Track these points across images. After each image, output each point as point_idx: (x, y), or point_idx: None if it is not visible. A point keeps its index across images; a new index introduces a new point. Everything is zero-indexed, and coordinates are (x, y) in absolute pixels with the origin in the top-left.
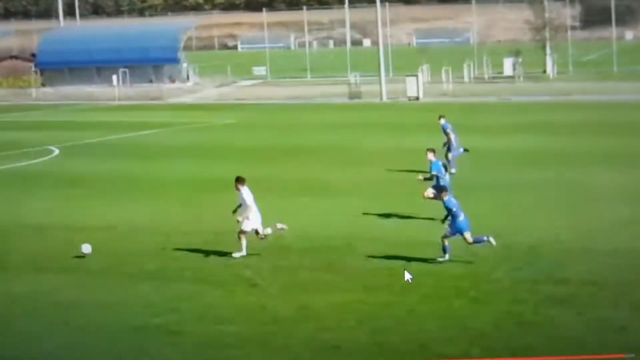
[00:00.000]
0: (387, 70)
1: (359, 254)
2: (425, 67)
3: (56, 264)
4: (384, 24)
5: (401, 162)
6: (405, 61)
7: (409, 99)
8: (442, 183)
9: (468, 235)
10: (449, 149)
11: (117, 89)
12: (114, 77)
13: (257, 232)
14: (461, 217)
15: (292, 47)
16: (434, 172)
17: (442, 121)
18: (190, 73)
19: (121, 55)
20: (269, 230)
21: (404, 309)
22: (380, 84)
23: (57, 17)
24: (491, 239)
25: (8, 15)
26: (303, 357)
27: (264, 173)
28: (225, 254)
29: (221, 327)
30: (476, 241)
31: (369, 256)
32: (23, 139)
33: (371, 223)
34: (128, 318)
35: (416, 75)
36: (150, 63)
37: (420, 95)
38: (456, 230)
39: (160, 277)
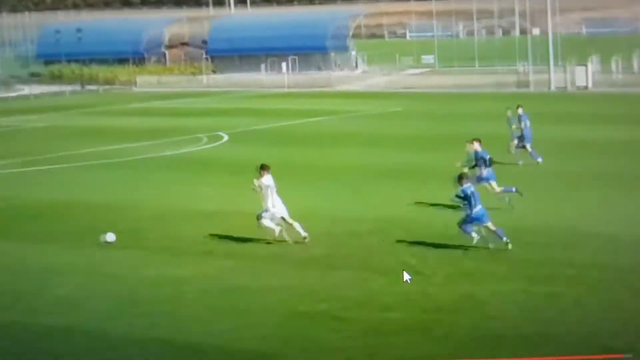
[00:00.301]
0: (555, 59)
1: (522, 244)
2: (594, 57)
3: (224, 249)
4: (554, 13)
5: (569, 153)
6: (574, 50)
7: (578, 88)
8: (485, 174)
9: (490, 224)
10: (522, 139)
11: (286, 76)
12: (283, 65)
13: (283, 219)
14: (478, 208)
15: (460, 35)
16: (481, 158)
17: (520, 110)
18: (359, 61)
19: (290, 43)
20: (296, 224)
21: (569, 300)
22: (549, 73)
23: (228, 4)
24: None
25: (180, 2)
26: (467, 345)
27: (431, 160)
28: (392, 242)
29: (385, 314)
30: (497, 232)
31: (531, 246)
32: (194, 124)
33: (533, 213)
34: (294, 303)
35: (585, 65)
36: (319, 51)
37: (590, 85)
38: (473, 219)
39: (326, 263)
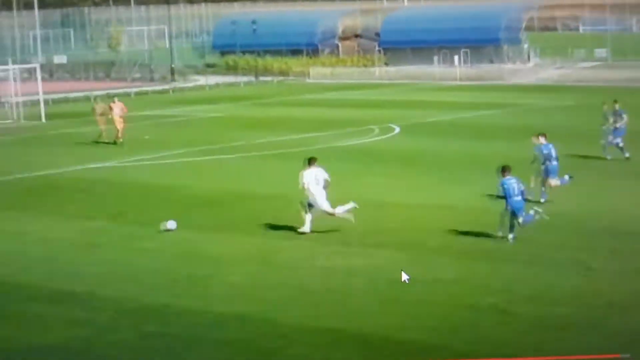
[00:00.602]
0: None
1: None
2: None
3: (394, 240)
4: None
5: None
6: None
7: None
8: (549, 167)
9: (521, 219)
10: (616, 134)
11: (458, 69)
12: (455, 58)
13: (325, 211)
14: (517, 199)
15: (634, 29)
16: (544, 153)
17: (617, 106)
18: (531, 54)
19: (463, 35)
20: (340, 209)
21: None
22: None
23: None
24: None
25: None
26: (637, 343)
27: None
28: (563, 236)
29: (553, 308)
30: (525, 221)
31: None
32: (367, 116)
33: None
34: (461, 295)
35: None
36: (492, 43)
37: None
38: (511, 210)
39: (496, 256)
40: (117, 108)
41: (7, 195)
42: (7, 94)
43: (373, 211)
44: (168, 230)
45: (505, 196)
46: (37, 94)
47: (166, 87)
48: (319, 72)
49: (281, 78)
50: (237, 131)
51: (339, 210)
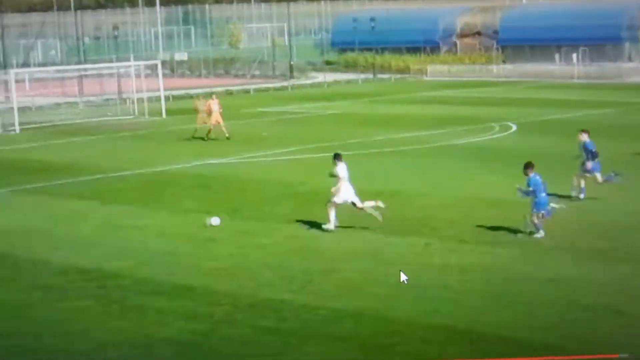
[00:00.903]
0: None
1: None
2: None
3: (509, 238)
4: None
5: None
6: None
7: None
8: (590, 166)
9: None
10: None
11: (576, 67)
12: (574, 56)
13: (354, 204)
14: (542, 195)
15: None
16: (589, 149)
17: None
18: None
19: (583, 34)
20: (368, 204)
21: None
22: None
23: None
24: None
25: None
26: None
27: None
28: None
29: None
30: (537, 225)
31: None
32: (484, 114)
33: None
34: (576, 295)
35: None
36: (612, 42)
37: None
38: (538, 208)
39: (612, 256)
40: (216, 105)
41: (127, 190)
42: (128, 90)
43: (488, 209)
44: (212, 226)
45: (534, 192)
46: (158, 90)
47: (285, 84)
48: (436, 69)
49: (399, 75)
50: (354, 128)
51: (367, 204)
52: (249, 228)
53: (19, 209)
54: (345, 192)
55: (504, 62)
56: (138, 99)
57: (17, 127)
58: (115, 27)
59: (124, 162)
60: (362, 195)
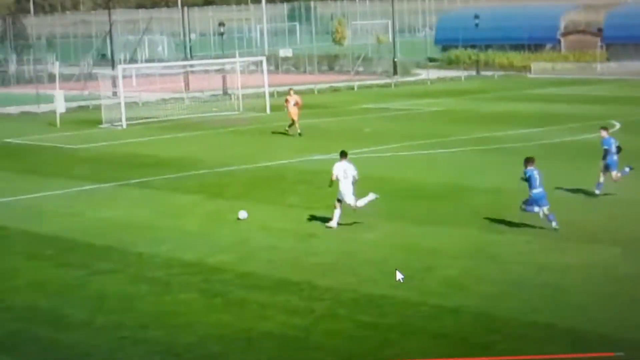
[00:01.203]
0: None
1: None
2: None
3: (610, 236)
4: None
5: None
6: None
7: None
8: (609, 161)
9: (546, 209)
10: None
11: None
12: None
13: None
14: (537, 190)
15: None
16: (605, 147)
17: None
18: None
19: None
20: (361, 202)
21: None
22: None
23: None
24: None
25: None
26: None
27: None
28: None
29: None
30: (549, 217)
31: None
32: (588, 112)
33: None
34: None
35: None
36: None
37: None
38: (532, 201)
39: None
40: (293, 100)
41: (232, 185)
42: (233, 86)
43: (588, 208)
44: (240, 220)
45: (530, 186)
46: (263, 86)
47: (388, 80)
48: (540, 67)
49: (502, 73)
50: (457, 125)
51: (360, 202)
52: (350, 224)
53: (125, 202)
54: (345, 191)
55: (608, 60)
56: (243, 95)
57: (124, 122)
58: (221, 24)
59: (229, 157)
60: (464, 191)
